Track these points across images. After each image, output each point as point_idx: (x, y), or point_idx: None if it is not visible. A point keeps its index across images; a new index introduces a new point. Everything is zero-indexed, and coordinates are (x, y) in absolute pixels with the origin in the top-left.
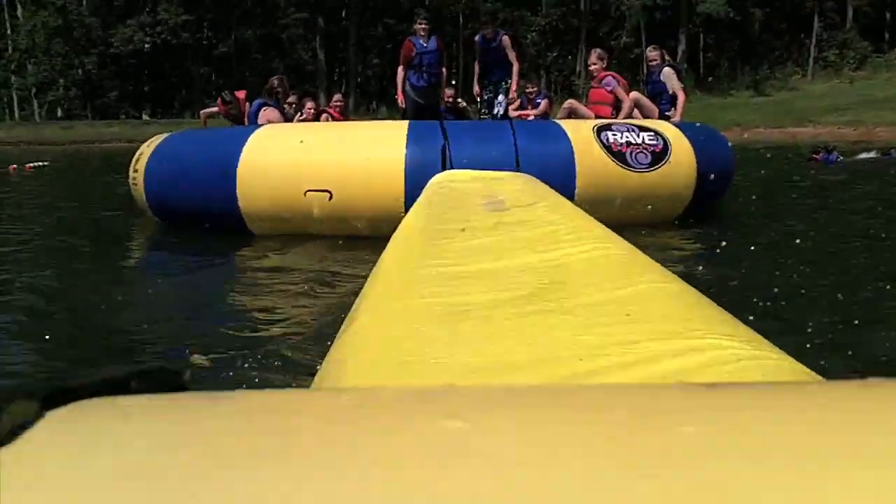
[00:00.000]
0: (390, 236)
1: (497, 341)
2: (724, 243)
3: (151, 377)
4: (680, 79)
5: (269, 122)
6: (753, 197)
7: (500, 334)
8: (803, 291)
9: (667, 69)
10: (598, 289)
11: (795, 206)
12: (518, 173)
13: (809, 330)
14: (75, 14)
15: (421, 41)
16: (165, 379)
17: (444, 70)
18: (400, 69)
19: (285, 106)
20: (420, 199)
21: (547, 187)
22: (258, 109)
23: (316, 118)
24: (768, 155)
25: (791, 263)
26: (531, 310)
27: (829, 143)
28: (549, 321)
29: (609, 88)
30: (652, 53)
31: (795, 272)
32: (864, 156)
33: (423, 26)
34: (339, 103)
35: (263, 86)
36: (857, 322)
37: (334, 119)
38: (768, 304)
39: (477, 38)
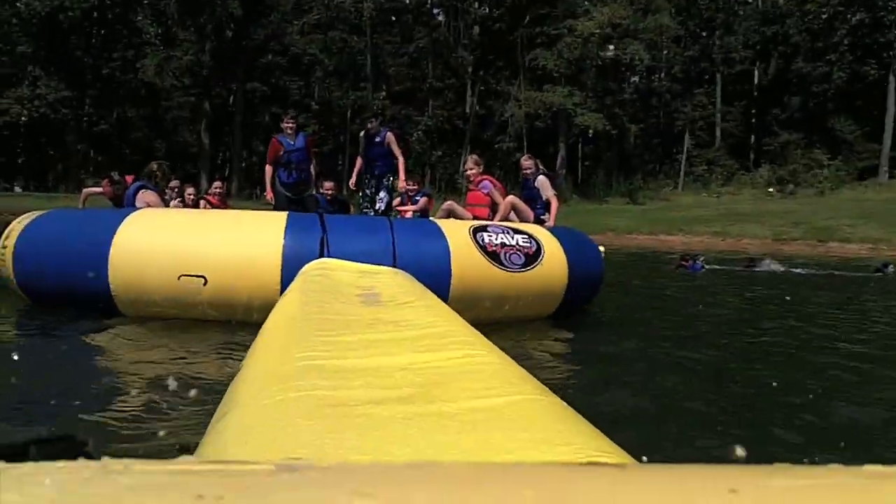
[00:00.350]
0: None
1: (380, 441)
2: (591, 345)
3: (52, 445)
4: (554, 186)
5: (148, 205)
6: (624, 298)
7: (384, 434)
8: (669, 399)
9: (541, 177)
10: (475, 395)
11: (664, 308)
12: (394, 269)
13: (671, 441)
14: None
15: (288, 139)
16: (67, 447)
17: (312, 167)
18: (268, 167)
19: (167, 190)
20: (294, 285)
21: (422, 286)
22: (136, 192)
23: (195, 205)
24: (641, 259)
25: (660, 367)
26: (412, 411)
27: (697, 252)
28: (430, 424)
29: (485, 191)
30: (526, 163)
31: (663, 377)
32: (728, 266)
33: (290, 125)
34: (218, 189)
35: (144, 165)
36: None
37: (213, 206)
38: (634, 410)
39: (361, 133)
